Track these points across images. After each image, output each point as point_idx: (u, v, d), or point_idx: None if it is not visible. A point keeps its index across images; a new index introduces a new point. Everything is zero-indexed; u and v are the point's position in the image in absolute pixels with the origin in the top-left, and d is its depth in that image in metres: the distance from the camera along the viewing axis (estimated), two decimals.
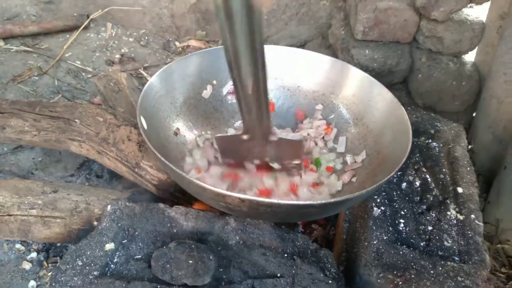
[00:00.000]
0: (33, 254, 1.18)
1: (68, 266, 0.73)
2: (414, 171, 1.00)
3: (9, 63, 1.76)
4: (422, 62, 1.43)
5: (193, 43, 1.91)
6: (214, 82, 1.07)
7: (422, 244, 0.84)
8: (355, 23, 1.44)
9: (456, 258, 0.82)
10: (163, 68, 0.97)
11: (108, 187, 1.37)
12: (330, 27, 1.75)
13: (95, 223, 0.95)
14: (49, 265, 1.17)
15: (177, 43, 1.93)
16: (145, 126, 0.84)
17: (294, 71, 1.09)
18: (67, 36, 1.90)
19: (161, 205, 0.84)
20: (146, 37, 1.95)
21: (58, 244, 1.20)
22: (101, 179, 1.40)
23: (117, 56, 1.84)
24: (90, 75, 1.75)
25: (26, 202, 1.02)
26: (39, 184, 1.08)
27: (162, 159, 0.73)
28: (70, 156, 1.42)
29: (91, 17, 1.89)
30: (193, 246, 0.72)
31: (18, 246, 1.20)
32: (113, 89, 1.43)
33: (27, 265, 1.16)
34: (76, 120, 1.17)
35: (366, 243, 0.82)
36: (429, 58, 1.43)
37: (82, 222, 1.01)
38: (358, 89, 1.03)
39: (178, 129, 0.98)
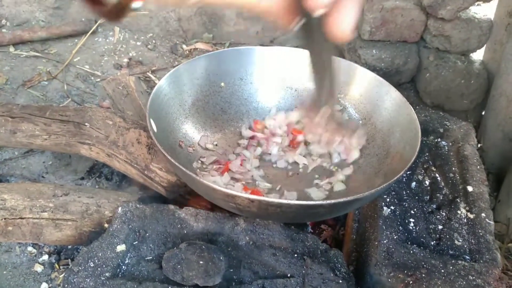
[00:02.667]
0: (45, 257, 1.19)
1: (80, 268, 0.74)
2: (423, 170, 0.99)
3: (19, 69, 1.78)
4: (430, 61, 1.42)
5: (200, 45, 1.92)
6: (222, 84, 1.07)
7: (432, 243, 0.84)
8: (362, 23, 1.44)
9: (467, 257, 0.81)
10: (171, 71, 0.98)
11: (118, 189, 1.38)
12: None
13: (106, 225, 0.96)
14: (61, 267, 1.18)
15: (184, 46, 1.94)
16: (155, 129, 0.84)
17: (300, 71, 1.09)
18: (76, 40, 1.92)
19: (171, 207, 0.84)
20: (154, 41, 1.97)
21: (69, 247, 1.21)
22: (111, 181, 1.41)
23: (125, 60, 1.85)
24: (98, 79, 1.77)
25: (37, 205, 1.03)
26: (50, 187, 1.09)
27: (172, 160, 0.74)
28: (80, 159, 1.43)
29: (99, 21, 1.91)
30: (203, 246, 0.73)
31: (30, 249, 1.21)
32: (121, 93, 1.44)
33: (39, 268, 1.17)
34: (86, 124, 1.18)
35: (376, 243, 0.82)
36: (436, 57, 1.42)
37: (93, 224, 1.02)
38: (365, 89, 1.03)
39: (181, 141, 0.98)
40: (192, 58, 1.05)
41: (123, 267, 0.75)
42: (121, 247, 0.77)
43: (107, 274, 0.75)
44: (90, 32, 1.89)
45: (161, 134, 0.88)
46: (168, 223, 0.81)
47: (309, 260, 0.76)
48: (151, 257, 0.76)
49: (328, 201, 0.68)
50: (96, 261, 0.75)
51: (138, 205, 0.84)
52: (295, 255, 0.78)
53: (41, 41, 1.91)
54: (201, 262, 0.71)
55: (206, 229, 0.80)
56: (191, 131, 0.99)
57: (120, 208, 0.83)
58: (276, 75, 1.10)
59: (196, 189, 0.77)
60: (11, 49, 1.87)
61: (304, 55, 1.08)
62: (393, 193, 0.92)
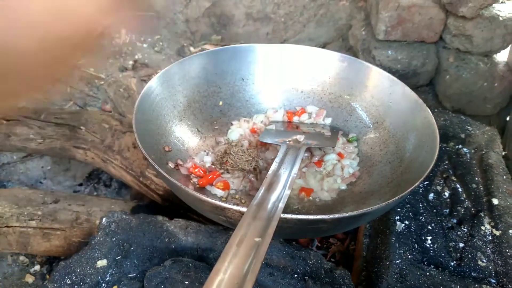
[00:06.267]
0: (37, 267, 1.14)
1: (55, 285, 0.66)
2: (442, 180, 0.91)
3: None
4: (450, 63, 1.34)
5: (208, 47, 1.86)
6: (221, 87, 1.00)
7: (452, 263, 0.75)
8: (377, 22, 1.37)
9: (493, 280, 0.72)
10: (163, 70, 0.91)
11: (117, 197, 1.32)
12: (350, 28, 1.68)
13: None
14: None
15: (192, 48, 1.88)
16: (134, 130, 0.75)
17: (308, 71, 1.01)
18: None
19: (160, 218, 0.77)
20: (161, 43, 1.91)
21: (63, 257, 1.15)
22: (110, 188, 1.35)
23: (130, 62, 1.80)
24: (103, 82, 1.72)
25: (25, 213, 0.98)
26: (40, 193, 1.04)
27: (159, 169, 0.66)
28: (79, 165, 1.38)
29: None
30: (190, 264, 0.65)
31: (22, 258, 1.16)
32: (122, 95, 1.39)
33: (30, 279, 1.11)
34: (82, 127, 1.13)
35: (387, 263, 0.73)
36: (457, 58, 1.33)
37: (83, 234, 0.96)
38: (378, 90, 0.94)
39: (169, 146, 0.87)
40: (187, 56, 0.97)
41: (103, 284, 0.68)
42: (102, 263, 0.70)
43: None
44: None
45: (151, 138, 0.81)
46: (155, 236, 0.73)
47: (310, 282, 0.67)
48: (134, 274, 0.69)
49: (332, 216, 0.60)
50: (74, 277, 0.68)
51: (124, 216, 0.76)
52: (295, 275, 0.69)
53: None
54: (186, 282, 0.62)
55: (197, 244, 0.72)
56: (186, 135, 0.91)
57: (104, 219, 0.75)
58: (280, 75, 1.02)
59: (185, 200, 0.70)
60: None
61: (310, 53, 1.01)
62: (408, 205, 0.84)
